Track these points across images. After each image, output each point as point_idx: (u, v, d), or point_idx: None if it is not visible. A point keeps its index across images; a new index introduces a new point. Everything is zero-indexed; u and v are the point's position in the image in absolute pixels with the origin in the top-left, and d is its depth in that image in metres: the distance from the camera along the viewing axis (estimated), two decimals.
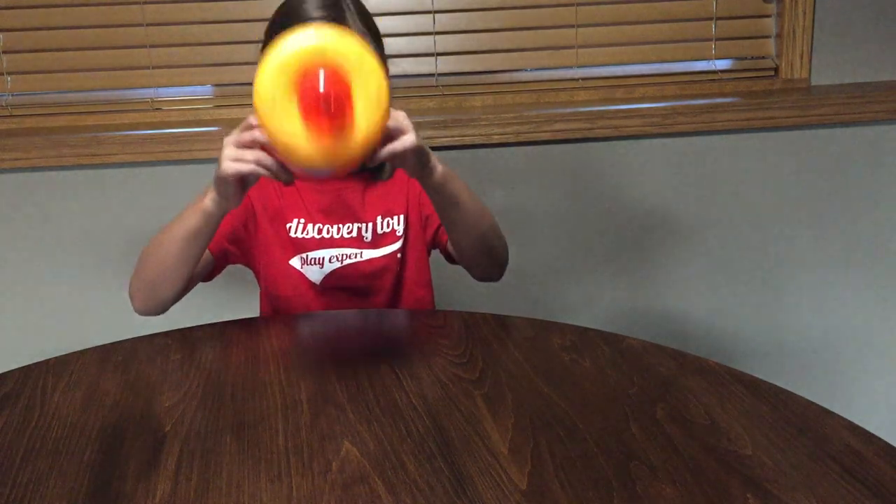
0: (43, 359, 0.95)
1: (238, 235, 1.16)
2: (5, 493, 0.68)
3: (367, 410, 0.81)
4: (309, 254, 1.16)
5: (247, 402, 0.83)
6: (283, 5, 1.14)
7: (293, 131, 0.77)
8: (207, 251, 1.10)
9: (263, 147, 0.88)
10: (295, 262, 1.17)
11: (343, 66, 0.76)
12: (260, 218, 1.18)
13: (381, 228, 1.19)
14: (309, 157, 0.78)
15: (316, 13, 1.08)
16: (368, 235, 1.18)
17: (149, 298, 1.07)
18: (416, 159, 0.95)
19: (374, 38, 1.13)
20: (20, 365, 0.94)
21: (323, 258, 1.16)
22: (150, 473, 0.70)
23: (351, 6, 1.11)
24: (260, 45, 1.16)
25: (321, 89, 0.75)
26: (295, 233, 1.17)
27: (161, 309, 1.07)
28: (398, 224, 1.20)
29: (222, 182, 0.93)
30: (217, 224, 1.02)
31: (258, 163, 0.88)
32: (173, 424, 0.79)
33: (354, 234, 1.18)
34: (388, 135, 0.88)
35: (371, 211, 1.20)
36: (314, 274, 1.16)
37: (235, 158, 0.90)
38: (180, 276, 1.04)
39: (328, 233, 1.18)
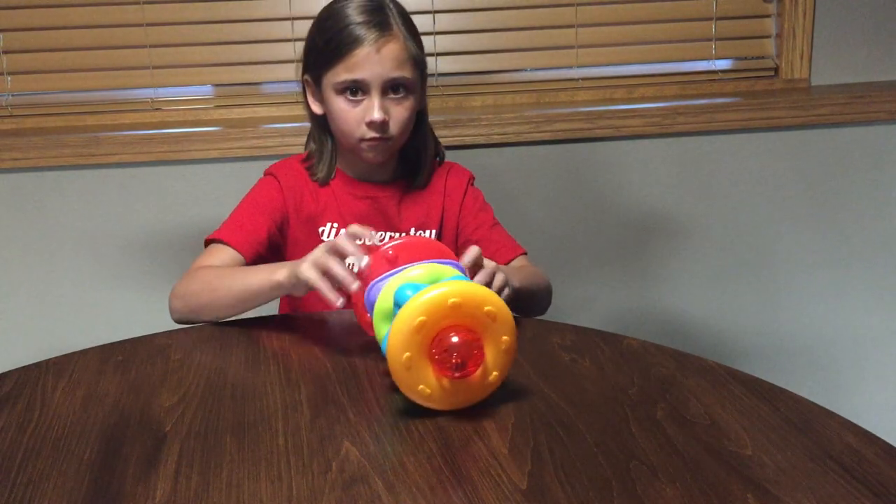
0: (43, 359, 0.95)
1: (273, 241, 1.16)
2: (5, 493, 0.68)
3: (367, 410, 0.81)
4: None
5: (247, 402, 0.83)
6: (325, 10, 1.15)
7: (424, 383, 0.77)
8: (240, 255, 1.10)
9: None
10: None
11: (476, 323, 0.76)
12: (292, 220, 1.18)
13: None
14: (432, 399, 0.78)
15: (360, 18, 1.10)
16: None
17: (187, 319, 1.07)
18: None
19: (416, 40, 1.14)
20: (20, 365, 0.94)
21: (352, 265, 1.15)
22: (150, 473, 0.70)
23: (393, 9, 1.13)
24: (302, 47, 1.18)
25: (454, 359, 0.75)
26: (327, 236, 1.17)
27: (197, 323, 1.08)
28: (430, 237, 1.21)
29: (297, 279, 0.92)
30: (279, 296, 1.03)
31: (340, 279, 0.88)
32: (173, 424, 0.79)
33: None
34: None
35: (406, 221, 1.20)
36: None
37: (322, 268, 0.89)
38: (225, 316, 1.05)
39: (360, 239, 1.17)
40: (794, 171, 1.72)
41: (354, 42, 1.09)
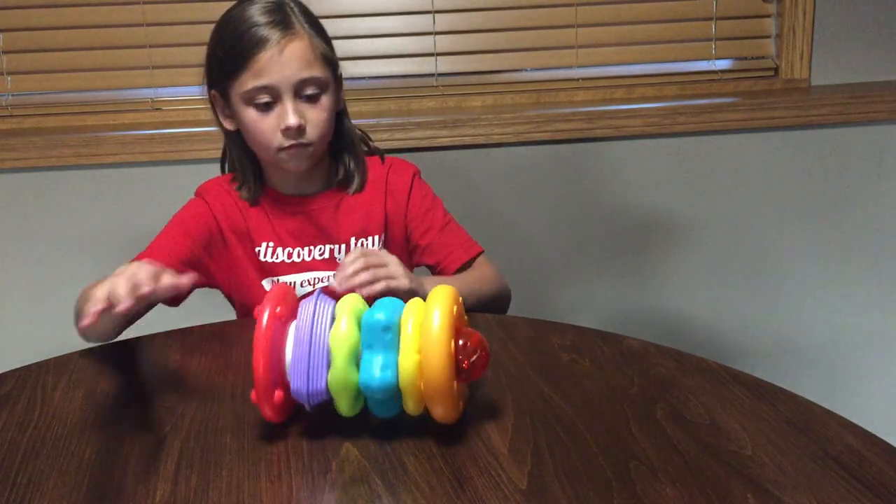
0: (43, 359, 0.95)
1: (200, 264, 1.11)
2: (5, 493, 0.68)
3: (368, 410, 0.81)
4: (279, 278, 1.12)
5: (247, 402, 0.83)
6: (223, 17, 1.09)
7: (460, 399, 0.74)
8: None
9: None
10: (266, 283, 1.13)
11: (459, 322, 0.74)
12: (228, 236, 1.14)
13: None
14: (444, 413, 0.73)
15: (259, 20, 1.04)
16: (342, 257, 1.13)
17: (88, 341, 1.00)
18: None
19: (322, 37, 1.09)
20: (20, 365, 0.94)
21: (294, 283, 1.12)
22: (150, 473, 0.70)
23: (294, 8, 1.08)
24: (205, 65, 1.12)
25: (465, 364, 0.72)
26: (265, 257, 1.13)
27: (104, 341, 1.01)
28: (374, 245, 1.15)
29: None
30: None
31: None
32: (173, 424, 0.79)
33: (327, 255, 1.13)
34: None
35: (345, 231, 1.14)
36: None
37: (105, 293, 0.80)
38: (103, 337, 0.99)
39: (299, 256, 1.13)
40: (794, 171, 1.72)
41: (256, 45, 1.03)
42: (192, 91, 1.69)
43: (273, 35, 1.03)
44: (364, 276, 0.95)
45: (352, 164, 1.17)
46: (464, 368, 0.72)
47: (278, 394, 0.73)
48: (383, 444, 0.74)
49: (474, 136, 1.61)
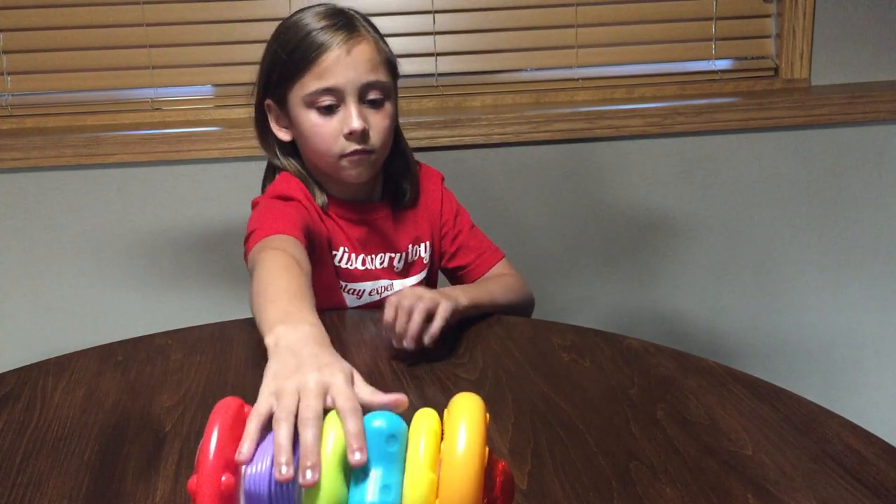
0: (43, 359, 0.95)
1: (309, 232, 1.03)
2: (5, 494, 0.68)
3: None
4: (352, 284, 1.11)
5: (247, 402, 0.83)
6: (282, 25, 1.08)
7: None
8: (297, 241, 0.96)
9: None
10: (347, 295, 1.13)
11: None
12: (315, 236, 1.08)
13: (411, 257, 1.16)
14: None
15: (322, 23, 1.02)
16: (400, 265, 1.14)
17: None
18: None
19: (385, 43, 1.09)
20: (20, 365, 0.94)
21: (364, 290, 1.12)
22: (150, 473, 0.70)
23: (356, 13, 1.07)
24: (258, 70, 1.10)
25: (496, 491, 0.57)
26: (340, 262, 1.10)
27: None
28: (424, 252, 1.17)
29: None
30: None
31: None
32: (173, 424, 0.79)
33: (386, 264, 1.13)
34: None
35: (403, 240, 1.15)
36: (350, 301, 1.12)
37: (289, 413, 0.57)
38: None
39: (366, 264, 1.12)
40: (794, 171, 1.72)
41: (321, 46, 1.01)
42: (192, 91, 1.69)
43: (338, 36, 1.01)
44: (417, 318, 0.90)
45: (409, 178, 1.15)
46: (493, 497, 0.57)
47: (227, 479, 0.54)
48: None
49: (474, 136, 1.61)
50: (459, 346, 0.95)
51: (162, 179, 1.61)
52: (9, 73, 1.62)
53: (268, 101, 1.09)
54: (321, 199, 1.10)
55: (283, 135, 1.09)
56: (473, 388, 0.84)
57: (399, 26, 1.64)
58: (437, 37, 1.66)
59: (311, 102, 1.03)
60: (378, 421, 0.56)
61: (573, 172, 1.68)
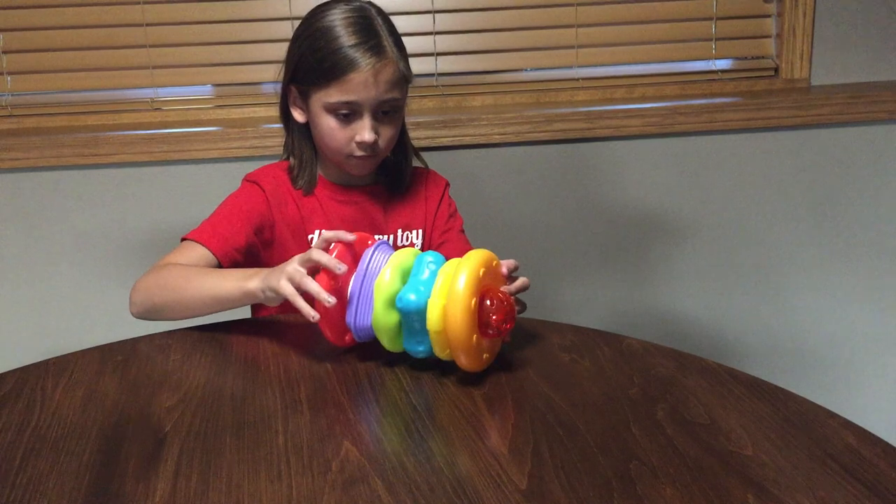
0: (43, 359, 0.95)
1: (252, 249, 1.13)
2: (5, 494, 0.68)
3: (367, 410, 0.81)
4: None
5: (247, 402, 0.83)
6: (313, 26, 1.11)
7: (484, 351, 0.85)
8: (214, 258, 1.08)
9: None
10: None
11: (494, 282, 0.87)
12: (279, 227, 1.16)
13: (401, 241, 1.19)
14: (487, 361, 0.87)
15: (352, 39, 1.07)
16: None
17: (148, 315, 1.05)
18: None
19: (404, 56, 1.12)
20: (20, 365, 0.94)
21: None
22: (150, 473, 0.70)
23: (384, 27, 1.11)
24: (287, 55, 1.15)
25: (495, 320, 0.83)
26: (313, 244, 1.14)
27: (157, 320, 1.07)
28: (416, 238, 1.21)
29: (274, 292, 0.92)
30: (249, 304, 1.01)
31: (314, 294, 0.87)
32: (173, 424, 0.79)
33: None
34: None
35: (393, 223, 1.20)
36: None
37: (297, 283, 0.89)
38: (189, 316, 1.04)
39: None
40: (794, 171, 1.72)
41: (349, 66, 1.07)
42: (192, 91, 1.69)
43: (367, 60, 1.07)
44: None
45: (404, 165, 1.22)
46: (489, 324, 0.82)
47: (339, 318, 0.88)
48: (383, 444, 0.74)
49: (474, 136, 1.61)
50: None
51: (162, 179, 1.61)
52: (9, 73, 1.62)
53: (291, 86, 1.16)
54: (304, 183, 1.18)
55: (299, 116, 1.17)
56: (473, 387, 0.84)
57: (399, 26, 1.61)
58: (437, 37, 1.66)
59: (331, 109, 1.10)
60: (430, 257, 0.86)
61: (573, 172, 1.68)
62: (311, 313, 0.87)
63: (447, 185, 1.27)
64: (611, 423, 0.76)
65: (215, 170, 1.61)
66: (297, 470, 0.70)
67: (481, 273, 0.82)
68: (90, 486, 0.69)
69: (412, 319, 0.84)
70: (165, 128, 1.61)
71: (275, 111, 1.66)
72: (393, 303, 0.84)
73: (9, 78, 1.63)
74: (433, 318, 0.82)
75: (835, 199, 1.74)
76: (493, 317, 0.82)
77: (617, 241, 1.72)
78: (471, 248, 1.21)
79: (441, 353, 0.85)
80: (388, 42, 1.10)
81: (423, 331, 0.84)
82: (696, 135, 1.68)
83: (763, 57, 1.75)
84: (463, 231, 1.26)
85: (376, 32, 1.09)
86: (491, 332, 0.82)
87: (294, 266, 0.90)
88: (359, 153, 1.12)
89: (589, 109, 1.64)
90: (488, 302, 0.82)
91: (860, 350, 1.82)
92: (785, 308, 1.78)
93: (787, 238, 1.75)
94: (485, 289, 0.83)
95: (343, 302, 0.88)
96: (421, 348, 0.86)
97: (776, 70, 1.74)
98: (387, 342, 0.88)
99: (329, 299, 0.85)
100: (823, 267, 1.77)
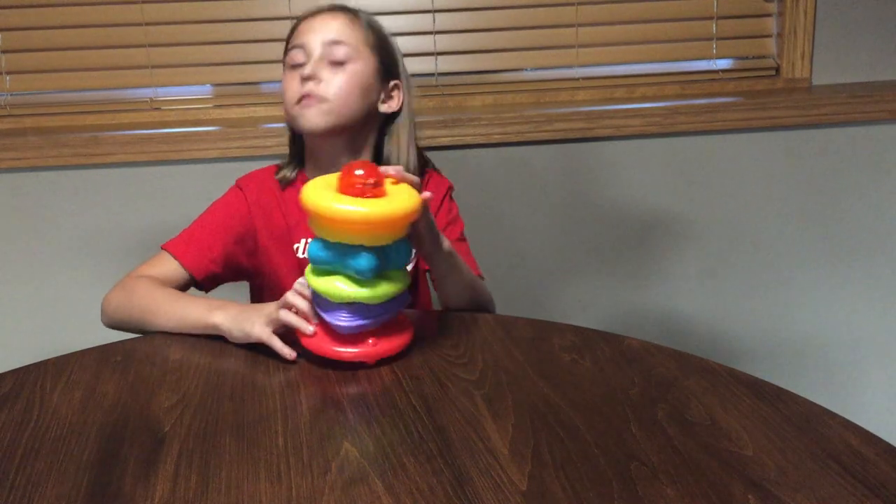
0: (43, 359, 0.95)
1: (231, 259, 1.13)
2: (5, 493, 0.68)
3: (367, 410, 0.81)
4: None
5: (246, 402, 0.83)
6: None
7: (360, 205, 0.86)
8: (186, 272, 1.09)
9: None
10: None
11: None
12: (261, 236, 1.14)
13: None
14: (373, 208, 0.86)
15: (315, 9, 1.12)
16: None
17: (118, 328, 1.07)
18: (429, 233, 0.98)
19: (377, 35, 1.13)
20: (20, 365, 0.94)
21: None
22: (150, 473, 0.70)
23: (362, 13, 1.14)
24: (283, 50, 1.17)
25: (362, 181, 0.86)
26: (303, 253, 1.13)
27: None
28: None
29: (244, 335, 0.95)
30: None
31: (294, 325, 0.92)
32: (173, 424, 0.79)
33: None
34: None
35: None
36: None
37: (270, 331, 0.94)
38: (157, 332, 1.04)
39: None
40: (794, 171, 1.71)
41: (304, 17, 1.13)
42: (192, 91, 1.69)
43: (316, 11, 1.13)
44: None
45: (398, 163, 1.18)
46: (353, 183, 0.86)
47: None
48: (383, 444, 0.74)
49: (474, 136, 1.60)
50: (459, 346, 0.95)
51: (161, 179, 1.60)
52: (8, 73, 1.62)
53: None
54: (286, 172, 1.17)
55: None
56: (473, 387, 0.84)
57: (399, 26, 1.64)
58: (437, 36, 1.66)
59: (287, 63, 1.13)
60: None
61: (573, 172, 1.68)
62: (288, 353, 0.92)
63: (450, 188, 1.23)
64: (611, 424, 0.76)
65: (214, 169, 1.60)
66: (297, 470, 0.70)
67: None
68: (89, 486, 0.69)
69: (321, 259, 0.88)
70: (165, 127, 1.61)
71: (275, 110, 1.68)
72: (313, 269, 0.90)
73: (8, 77, 1.63)
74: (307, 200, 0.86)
75: (835, 198, 1.73)
76: (357, 172, 0.85)
77: (617, 241, 1.72)
78: (470, 255, 1.21)
79: (332, 236, 0.87)
80: (352, 9, 1.13)
81: (338, 256, 0.87)
82: (697, 135, 1.67)
83: (764, 56, 1.75)
84: (463, 237, 1.23)
85: (347, 5, 1.13)
86: (359, 186, 0.85)
87: (272, 310, 0.93)
88: (302, 92, 1.08)
89: (589, 109, 1.64)
90: (357, 171, 0.86)
91: (861, 350, 1.82)
92: (785, 308, 1.78)
93: (788, 238, 1.75)
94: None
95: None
96: (356, 263, 0.86)
97: (777, 70, 1.74)
98: (336, 291, 0.88)
99: (308, 329, 0.91)
100: (824, 267, 1.77)
